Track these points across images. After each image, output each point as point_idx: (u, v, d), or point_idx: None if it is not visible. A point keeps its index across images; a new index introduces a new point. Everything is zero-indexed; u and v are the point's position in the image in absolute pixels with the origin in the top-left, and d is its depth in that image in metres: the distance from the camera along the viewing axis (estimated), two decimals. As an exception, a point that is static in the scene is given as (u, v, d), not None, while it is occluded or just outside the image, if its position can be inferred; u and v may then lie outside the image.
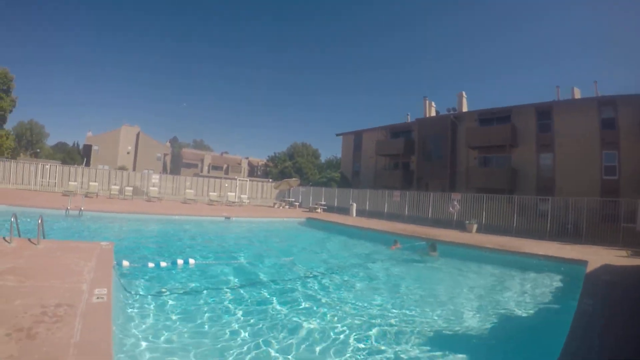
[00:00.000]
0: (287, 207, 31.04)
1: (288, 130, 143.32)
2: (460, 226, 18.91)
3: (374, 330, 5.60)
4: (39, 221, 7.53)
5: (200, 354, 4.51)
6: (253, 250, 12.19)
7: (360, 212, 25.98)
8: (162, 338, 4.85)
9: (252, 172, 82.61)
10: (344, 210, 26.82)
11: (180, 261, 8.57)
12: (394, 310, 6.60)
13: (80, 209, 16.41)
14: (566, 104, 23.06)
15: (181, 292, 6.81)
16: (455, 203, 20.06)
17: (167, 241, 13.14)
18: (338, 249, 13.85)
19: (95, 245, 7.88)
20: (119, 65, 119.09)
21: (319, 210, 27.50)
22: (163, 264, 8.32)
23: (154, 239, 13.62)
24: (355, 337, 5.33)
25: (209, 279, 7.91)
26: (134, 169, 53.38)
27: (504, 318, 6.60)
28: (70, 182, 25.94)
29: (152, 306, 5.88)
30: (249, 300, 6.67)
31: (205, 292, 6.93)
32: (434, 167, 28.31)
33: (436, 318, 6.36)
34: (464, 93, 29.67)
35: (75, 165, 32.93)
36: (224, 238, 15.07)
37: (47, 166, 27.90)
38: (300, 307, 6.56)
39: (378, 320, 6.04)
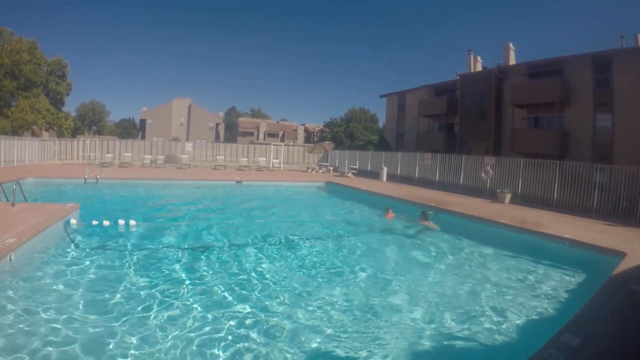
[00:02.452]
0: (320, 171, 30.11)
1: (347, 96, 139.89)
2: (493, 195, 16.48)
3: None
4: (14, 187, 8.72)
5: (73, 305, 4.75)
6: (220, 214, 12.03)
7: (392, 177, 24.11)
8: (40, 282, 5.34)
9: (309, 138, 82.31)
10: (377, 175, 25.11)
11: (121, 221, 8.79)
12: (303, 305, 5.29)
13: (97, 177, 17.35)
14: (629, 53, 18.56)
15: (100, 248, 7.09)
16: (488, 169, 17.44)
17: (153, 203, 13.84)
18: (328, 216, 12.65)
19: (59, 207, 8.81)
20: (175, 41, 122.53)
21: (349, 174, 26.15)
22: (106, 223, 8.61)
23: (140, 201, 14.12)
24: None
25: (139, 240, 8.02)
26: (187, 139, 55.46)
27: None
28: (106, 154, 27.29)
29: (68, 258, 6.44)
30: (163, 263, 6.58)
31: (125, 251, 7.02)
32: (478, 128, 25.09)
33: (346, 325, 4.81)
34: (510, 44, 25.37)
35: (114, 139, 35.10)
36: (211, 200, 15.06)
37: (87, 141, 29.62)
38: (212, 277, 6.07)
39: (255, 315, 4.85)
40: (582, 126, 19.81)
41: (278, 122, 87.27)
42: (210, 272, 6.32)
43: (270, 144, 34.54)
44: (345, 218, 12.34)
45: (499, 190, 16.02)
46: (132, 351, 3.85)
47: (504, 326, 4.85)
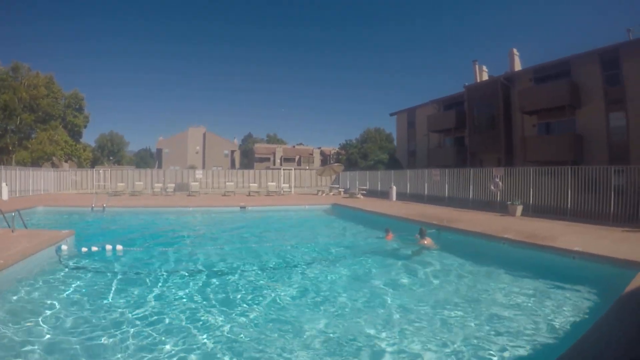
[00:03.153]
0: (331, 193, 29.71)
1: (362, 117, 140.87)
2: (504, 208, 15.61)
3: None
4: (12, 214, 9.20)
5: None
6: (205, 240, 11.98)
7: (402, 196, 23.47)
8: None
9: (325, 161, 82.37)
10: (387, 195, 24.49)
11: (109, 247, 9.04)
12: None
13: (103, 206, 17.55)
14: (636, 45, 17.58)
15: (83, 271, 7.36)
16: (497, 180, 16.62)
17: (148, 230, 13.73)
18: (325, 238, 12.11)
19: (55, 233, 9.09)
20: (190, 71, 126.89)
21: (359, 195, 25.62)
22: (94, 248, 8.87)
23: (138, 228, 14.19)
24: None
25: (123, 264, 8.20)
26: (203, 167, 56.30)
27: None
28: (119, 184, 27.71)
29: (50, 279, 6.74)
30: (135, 287, 6.55)
31: (107, 275, 7.24)
32: (488, 140, 24.24)
33: None
34: (514, 50, 24.66)
35: (130, 169, 35.78)
36: (205, 227, 15.18)
37: (101, 171, 30.27)
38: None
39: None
40: (595, 128, 18.75)
41: (294, 146, 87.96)
42: (171, 298, 6.09)
43: (280, 169, 34.51)
44: (343, 241, 11.80)
45: (509, 203, 15.21)
46: None
47: None
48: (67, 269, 7.39)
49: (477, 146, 25.17)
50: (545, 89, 20.58)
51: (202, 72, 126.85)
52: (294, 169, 34.98)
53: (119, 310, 5.36)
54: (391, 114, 38.09)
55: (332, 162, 78.92)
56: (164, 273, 7.46)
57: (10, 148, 34.95)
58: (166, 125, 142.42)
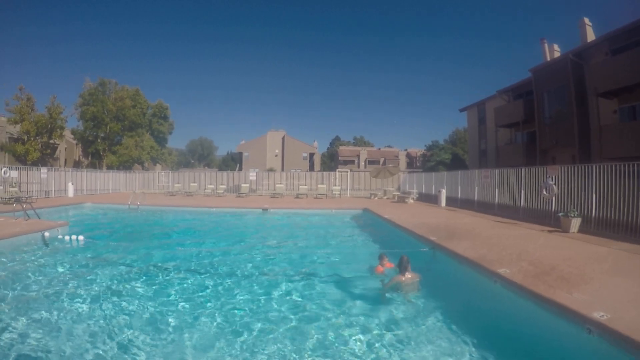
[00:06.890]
0: (384, 197, 27.65)
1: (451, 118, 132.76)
2: (558, 220, 12.17)
3: None
4: (23, 205, 12.18)
5: None
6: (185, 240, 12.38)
7: (452, 201, 20.54)
8: None
9: (411, 163, 79.14)
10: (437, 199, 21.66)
11: (74, 237, 10.39)
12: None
13: (137, 204, 19.14)
14: None
15: (49, 253, 9.13)
16: (551, 183, 13.13)
17: (147, 226, 15.39)
18: (300, 254, 10.25)
19: (52, 223, 11.30)
20: (276, 77, 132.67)
21: (409, 200, 23.25)
22: (67, 237, 10.44)
23: (139, 224, 15.88)
24: None
25: (79, 252, 9.59)
26: (282, 170, 57.58)
27: None
28: (175, 184, 29.32)
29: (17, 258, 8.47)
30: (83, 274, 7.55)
31: (64, 259, 8.69)
32: (559, 132, 19.74)
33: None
34: (586, 20, 19.61)
35: (213, 170, 37.98)
36: (201, 228, 15.26)
37: (162, 173, 32.41)
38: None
39: None
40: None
41: (379, 149, 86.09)
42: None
43: (336, 172, 33.33)
44: (321, 266, 8.91)
45: (561, 214, 11.81)
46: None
47: None
48: (42, 249, 9.35)
49: (548, 141, 20.72)
50: (622, 61, 15.70)
51: (289, 76, 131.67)
52: (350, 171, 33.39)
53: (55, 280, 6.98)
54: (461, 110, 34.23)
55: (417, 164, 74.90)
56: (103, 263, 8.42)
57: (101, 153, 39.52)
58: (251, 129, 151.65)
